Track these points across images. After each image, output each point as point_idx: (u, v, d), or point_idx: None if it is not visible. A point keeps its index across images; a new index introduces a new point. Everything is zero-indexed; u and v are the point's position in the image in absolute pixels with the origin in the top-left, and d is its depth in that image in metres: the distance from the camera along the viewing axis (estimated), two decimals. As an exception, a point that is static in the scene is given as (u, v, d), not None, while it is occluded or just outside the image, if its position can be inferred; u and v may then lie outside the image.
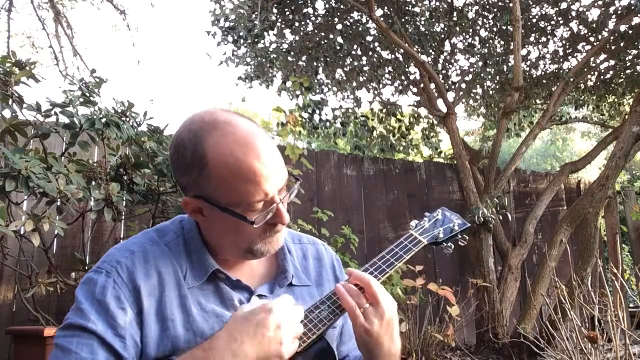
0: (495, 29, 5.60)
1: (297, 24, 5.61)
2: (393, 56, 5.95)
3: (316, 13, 5.71)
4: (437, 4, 5.66)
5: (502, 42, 5.71)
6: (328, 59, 5.80)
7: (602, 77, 5.76)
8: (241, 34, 5.43)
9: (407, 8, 5.59)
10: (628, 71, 5.55)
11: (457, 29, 5.59)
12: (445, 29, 5.65)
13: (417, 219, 1.22)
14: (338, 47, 5.75)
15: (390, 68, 6.04)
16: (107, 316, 0.91)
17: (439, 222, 1.21)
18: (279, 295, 1.05)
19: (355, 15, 5.74)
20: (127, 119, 2.66)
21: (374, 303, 0.97)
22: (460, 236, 1.21)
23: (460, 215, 1.25)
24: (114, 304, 0.92)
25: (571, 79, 5.03)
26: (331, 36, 5.85)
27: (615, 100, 6.22)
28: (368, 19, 5.29)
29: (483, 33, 5.72)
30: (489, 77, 5.76)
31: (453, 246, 1.20)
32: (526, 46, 5.60)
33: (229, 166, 0.92)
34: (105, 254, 1.01)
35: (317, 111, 5.44)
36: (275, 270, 1.10)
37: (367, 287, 0.98)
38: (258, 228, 0.97)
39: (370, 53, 5.92)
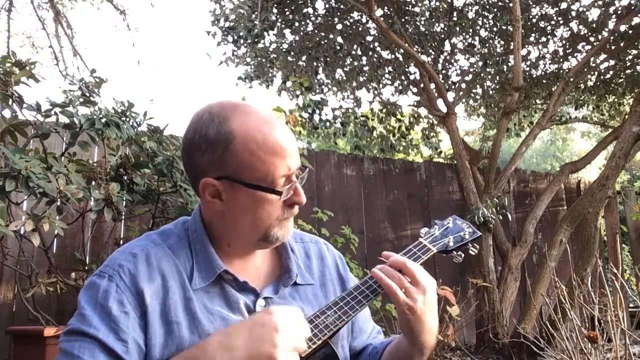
0: (495, 29, 5.60)
1: (297, 24, 5.61)
2: (393, 56, 5.95)
3: (316, 13, 5.71)
4: (437, 4, 5.66)
5: (502, 42, 5.71)
6: (328, 59, 5.80)
7: (602, 77, 5.76)
8: (241, 34, 5.43)
9: (407, 8, 5.59)
10: (628, 71, 5.55)
11: (457, 29, 5.59)
12: (445, 29, 5.65)
13: (422, 224, 1.21)
14: (338, 47, 5.75)
15: (390, 68, 6.04)
16: (109, 321, 0.91)
17: (450, 230, 1.19)
18: (285, 295, 1.06)
19: (355, 15, 5.74)
20: (127, 119, 2.66)
21: (414, 282, 0.99)
22: (470, 245, 1.20)
23: (471, 224, 1.24)
24: (116, 309, 0.92)
25: (571, 79, 5.03)
26: (331, 36, 5.85)
27: (615, 100, 6.22)
28: (368, 19, 5.29)
29: (483, 33, 5.72)
30: (489, 77, 5.76)
31: (463, 255, 1.18)
32: (526, 46, 5.60)
33: (257, 139, 0.95)
34: (107, 257, 1.01)
35: (317, 111, 5.44)
36: (279, 269, 1.10)
37: (404, 267, 1.00)
38: (277, 207, 0.99)
39: (370, 53, 5.92)
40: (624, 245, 7.18)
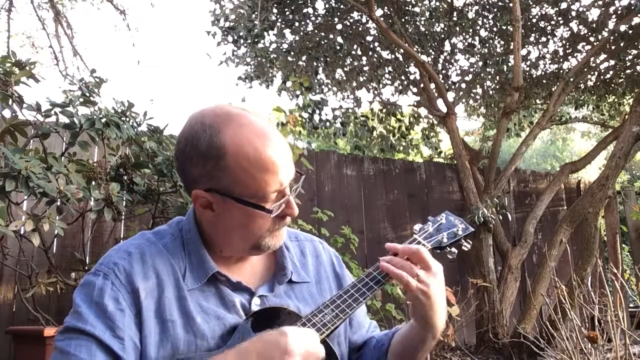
0: (495, 29, 5.60)
1: (297, 24, 5.61)
2: (393, 56, 5.95)
3: (316, 13, 5.71)
4: (437, 4, 5.66)
5: (502, 42, 5.70)
6: (328, 59, 5.80)
7: (602, 77, 5.75)
8: (241, 34, 5.43)
9: (407, 8, 5.59)
10: (628, 71, 5.55)
11: (457, 29, 5.59)
12: (445, 29, 5.65)
13: (421, 223, 1.21)
14: (338, 47, 5.75)
15: (390, 68, 6.04)
16: (105, 318, 0.91)
17: (443, 226, 1.20)
18: (280, 293, 1.06)
19: (355, 15, 5.73)
20: (127, 119, 2.66)
21: (425, 266, 1.01)
22: (464, 241, 1.20)
23: (464, 220, 1.24)
24: (112, 306, 0.92)
25: (571, 79, 5.03)
26: (331, 36, 5.85)
27: (615, 100, 6.22)
28: (368, 19, 5.29)
29: (483, 33, 5.72)
30: (489, 77, 5.76)
31: (457, 251, 1.19)
32: (526, 46, 5.60)
33: (249, 156, 0.93)
34: (102, 256, 1.02)
35: (317, 111, 5.44)
36: (274, 267, 1.11)
37: (415, 254, 1.02)
38: (269, 220, 0.98)
39: (370, 53, 5.92)
40: (624, 245, 7.18)
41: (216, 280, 1.01)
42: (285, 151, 0.97)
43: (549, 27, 5.48)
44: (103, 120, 2.46)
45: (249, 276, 1.07)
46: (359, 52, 5.95)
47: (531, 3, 5.25)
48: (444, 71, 5.98)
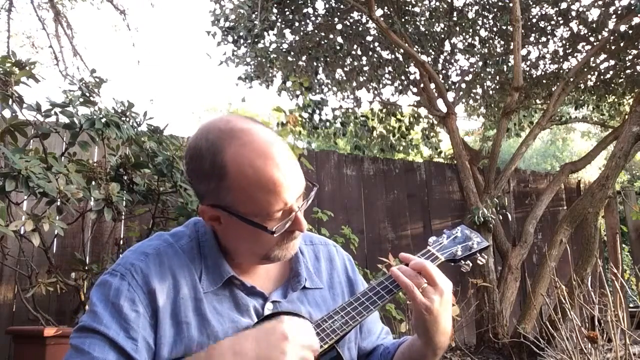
0: (495, 29, 5.60)
1: (297, 24, 5.61)
2: (393, 56, 5.95)
3: (316, 13, 5.71)
4: (437, 4, 5.66)
5: (502, 42, 5.71)
6: (328, 59, 5.80)
7: (602, 77, 5.76)
8: (241, 34, 5.43)
9: (407, 8, 5.59)
10: (628, 71, 5.55)
11: (457, 29, 5.59)
12: (445, 29, 5.65)
13: (436, 235, 1.21)
14: (338, 47, 5.75)
15: (390, 68, 6.04)
16: (120, 319, 0.92)
17: (458, 239, 1.20)
18: (293, 299, 1.06)
19: (355, 15, 5.74)
20: (127, 119, 2.66)
21: (432, 282, 0.99)
22: (478, 255, 1.19)
23: (479, 234, 1.24)
24: (127, 307, 0.92)
25: (571, 79, 5.03)
26: (331, 36, 5.85)
27: (615, 100, 6.22)
28: (368, 19, 5.29)
29: (483, 33, 5.72)
30: (489, 77, 5.76)
31: (471, 264, 1.18)
32: (526, 46, 5.60)
33: (249, 177, 0.92)
34: (108, 257, 1.02)
35: (317, 111, 5.44)
36: (288, 273, 1.11)
37: (423, 269, 1.00)
38: (276, 236, 0.97)
39: (370, 53, 5.92)
40: (624, 245, 7.18)
41: (231, 284, 1.02)
42: (290, 169, 0.95)
43: (549, 27, 5.48)
44: (103, 120, 2.46)
45: (263, 281, 1.07)
46: (359, 52, 5.95)
47: (531, 3, 5.25)
48: (444, 71, 5.98)
